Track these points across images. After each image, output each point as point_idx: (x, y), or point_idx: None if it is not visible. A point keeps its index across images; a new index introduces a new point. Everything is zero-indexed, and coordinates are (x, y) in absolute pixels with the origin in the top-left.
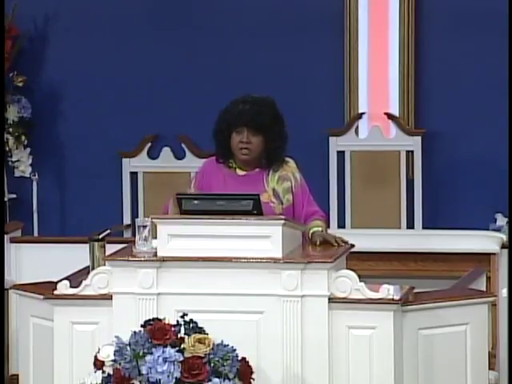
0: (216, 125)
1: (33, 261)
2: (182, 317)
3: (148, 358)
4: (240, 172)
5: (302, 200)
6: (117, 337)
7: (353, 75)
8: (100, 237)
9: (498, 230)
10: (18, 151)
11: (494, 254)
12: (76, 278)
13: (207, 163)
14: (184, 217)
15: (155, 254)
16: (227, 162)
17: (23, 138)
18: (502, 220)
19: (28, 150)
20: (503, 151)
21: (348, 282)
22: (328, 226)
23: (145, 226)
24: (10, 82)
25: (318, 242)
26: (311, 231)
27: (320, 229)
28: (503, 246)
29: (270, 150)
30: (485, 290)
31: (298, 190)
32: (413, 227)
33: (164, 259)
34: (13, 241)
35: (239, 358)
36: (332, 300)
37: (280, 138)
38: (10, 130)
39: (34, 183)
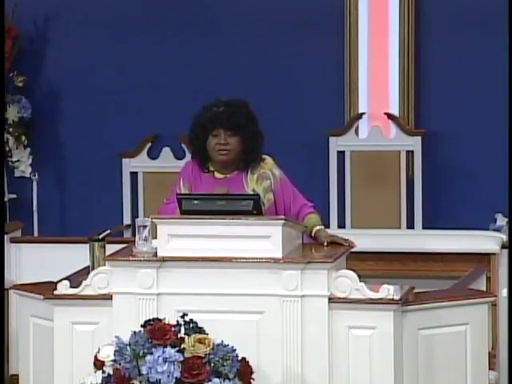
0: (191, 131)
1: (33, 261)
2: (182, 317)
3: (148, 358)
4: (218, 175)
5: (289, 195)
6: (117, 337)
7: (353, 75)
8: (100, 237)
9: (498, 230)
10: (18, 151)
11: (494, 254)
12: (76, 278)
13: (186, 167)
14: (184, 217)
15: (155, 254)
16: (205, 166)
17: (23, 138)
18: (501, 220)
19: (28, 150)
20: (503, 151)
21: (348, 282)
22: (324, 222)
23: (145, 226)
24: (9, 81)
25: (325, 243)
26: (314, 229)
27: (322, 226)
28: (503, 246)
29: (248, 150)
30: (485, 289)
31: (277, 186)
32: (413, 227)
33: (164, 259)
34: (13, 241)
35: (239, 358)
36: (332, 300)
37: (256, 137)
38: (10, 129)
39: (34, 183)
